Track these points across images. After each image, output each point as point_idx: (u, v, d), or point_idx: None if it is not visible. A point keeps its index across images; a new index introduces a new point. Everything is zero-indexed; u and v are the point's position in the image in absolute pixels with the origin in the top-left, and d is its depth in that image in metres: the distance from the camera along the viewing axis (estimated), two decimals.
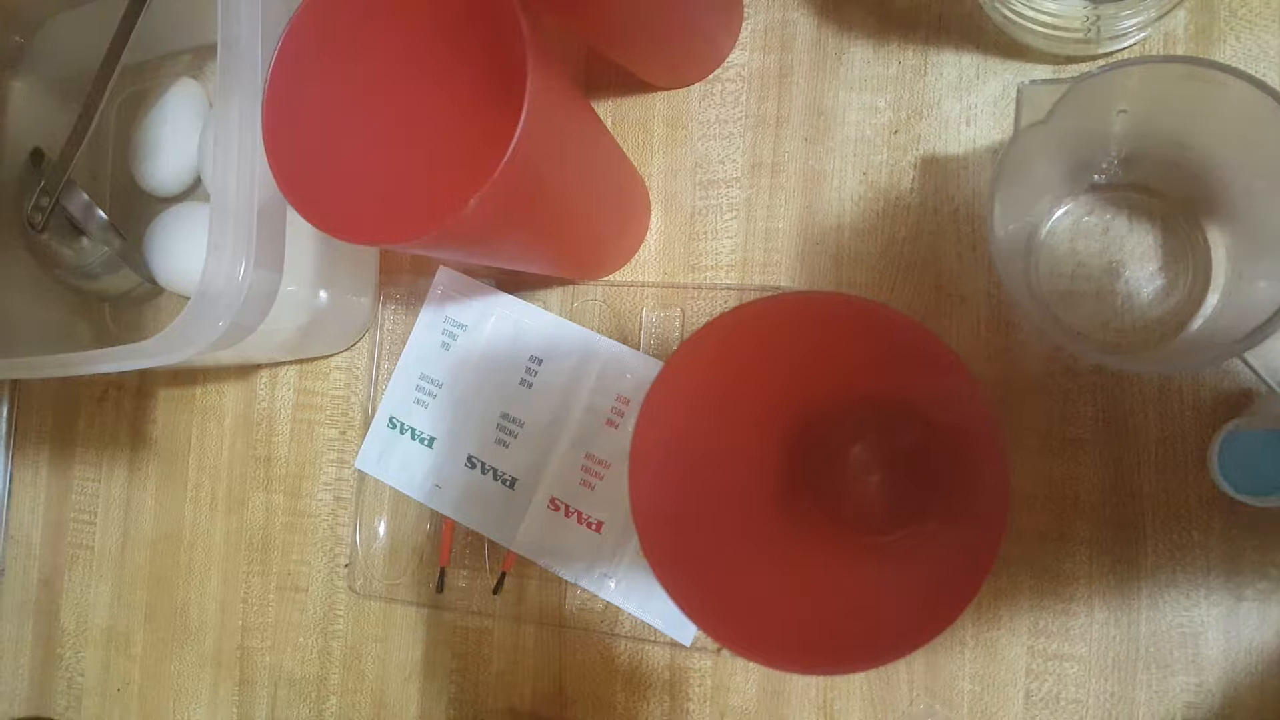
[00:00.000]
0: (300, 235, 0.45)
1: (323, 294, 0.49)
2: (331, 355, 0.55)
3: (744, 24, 0.47)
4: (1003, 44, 0.43)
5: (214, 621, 0.57)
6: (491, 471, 0.50)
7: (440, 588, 0.51)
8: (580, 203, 0.41)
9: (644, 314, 0.48)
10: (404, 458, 0.52)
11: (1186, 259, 0.40)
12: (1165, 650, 0.40)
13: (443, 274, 0.52)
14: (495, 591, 0.50)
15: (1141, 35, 0.40)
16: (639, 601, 0.47)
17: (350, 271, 0.52)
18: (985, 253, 0.43)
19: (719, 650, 0.46)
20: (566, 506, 0.49)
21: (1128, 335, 0.40)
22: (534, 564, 0.49)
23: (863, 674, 0.44)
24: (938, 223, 0.44)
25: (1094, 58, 0.41)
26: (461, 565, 0.51)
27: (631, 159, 0.48)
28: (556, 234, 0.41)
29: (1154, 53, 0.41)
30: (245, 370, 0.57)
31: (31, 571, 0.62)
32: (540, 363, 0.50)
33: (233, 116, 0.41)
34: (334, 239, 0.32)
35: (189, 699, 0.57)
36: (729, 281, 0.47)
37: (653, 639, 0.47)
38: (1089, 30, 0.38)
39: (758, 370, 0.35)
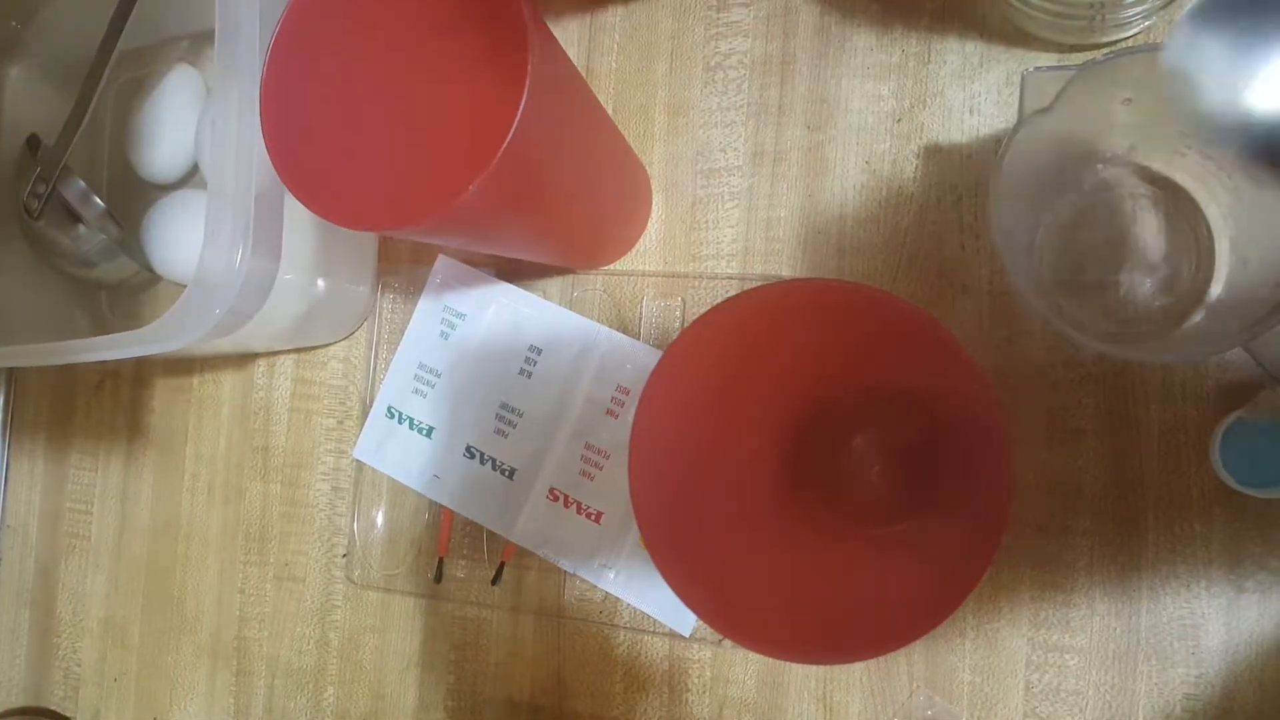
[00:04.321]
0: (298, 223, 0.45)
1: (321, 282, 0.49)
2: (329, 344, 0.55)
3: (748, 10, 0.47)
4: (1006, 32, 0.43)
5: (211, 612, 0.57)
6: (490, 461, 0.50)
7: (438, 578, 0.51)
8: (581, 189, 0.41)
9: (644, 303, 0.48)
10: (402, 447, 0.52)
11: (1190, 249, 0.40)
12: (1165, 642, 0.40)
13: (442, 262, 0.52)
14: (494, 582, 0.50)
15: (1146, 24, 0.40)
16: (638, 592, 0.47)
17: (348, 260, 0.52)
18: (988, 242, 0.43)
19: (718, 641, 0.46)
20: (566, 497, 0.49)
21: (1131, 325, 0.40)
22: (533, 554, 0.49)
23: (862, 665, 0.44)
24: (941, 212, 0.43)
25: (1098, 46, 0.41)
26: (460, 555, 0.51)
27: (633, 146, 0.48)
28: (557, 221, 0.41)
29: (1159, 40, 0.41)
30: (243, 359, 0.57)
31: (28, 561, 0.62)
32: (540, 352, 0.50)
33: (230, 103, 0.41)
34: (332, 226, 0.32)
35: (186, 689, 0.57)
36: (730, 271, 0.47)
37: (652, 630, 0.47)
38: (1093, 18, 0.38)
39: (759, 359, 0.35)
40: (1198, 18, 0.28)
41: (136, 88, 0.57)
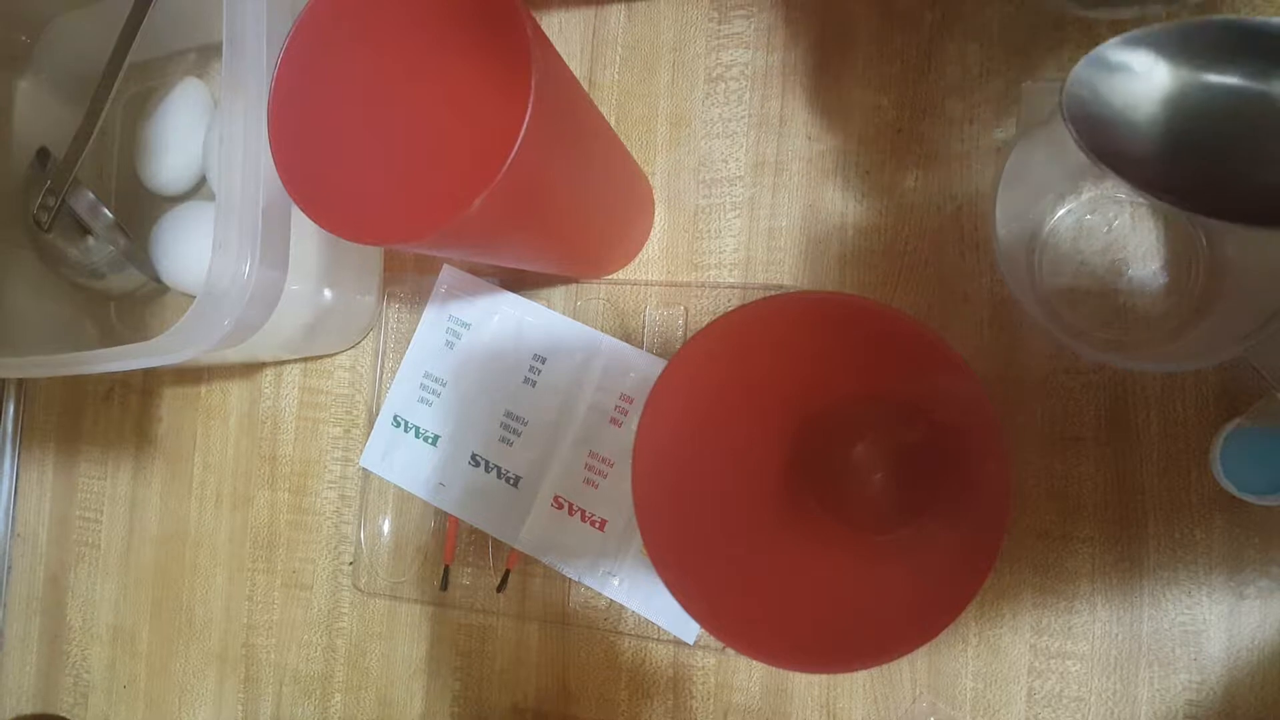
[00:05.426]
0: (305, 234, 0.45)
1: (327, 292, 0.49)
2: (336, 354, 0.55)
3: (749, 22, 0.47)
4: (1006, 43, 0.43)
5: (219, 619, 0.57)
6: (495, 469, 0.50)
7: (444, 585, 0.51)
8: (584, 202, 0.41)
9: (647, 312, 0.49)
10: (408, 456, 0.52)
11: (1189, 257, 0.40)
12: (1167, 648, 0.40)
13: (447, 272, 0.52)
14: (499, 589, 0.50)
15: None
16: (642, 599, 0.48)
17: (354, 270, 0.52)
18: (988, 251, 0.43)
19: (722, 648, 0.46)
20: (570, 504, 0.49)
21: (1130, 333, 0.41)
22: (538, 562, 0.49)
23: (865, 672, 0.44)
24: (941, 222, 0.44)
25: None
26: (465, 563, 0.51)
27: (635, 158, 0.48)
28: (560, 233, 0.41)
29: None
30: (250, 368, 0.57)
31: (38, 569, 0.63)
32: (544, 361, 0.50)
33: (238, 115, 0.41)
34: (339, 238, 0.32)
35: (194, 696, 0.58)
36: (732, 280, 0.47)
37: (656, 637, 0.47)
38: None
39: (761, 369, 0.35)
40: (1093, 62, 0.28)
41: (145, 101, 0.57)
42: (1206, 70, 0.27)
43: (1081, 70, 0.28)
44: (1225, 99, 0.27)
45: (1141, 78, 0.27)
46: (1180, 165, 0.27)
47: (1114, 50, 0.28)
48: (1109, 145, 0.27)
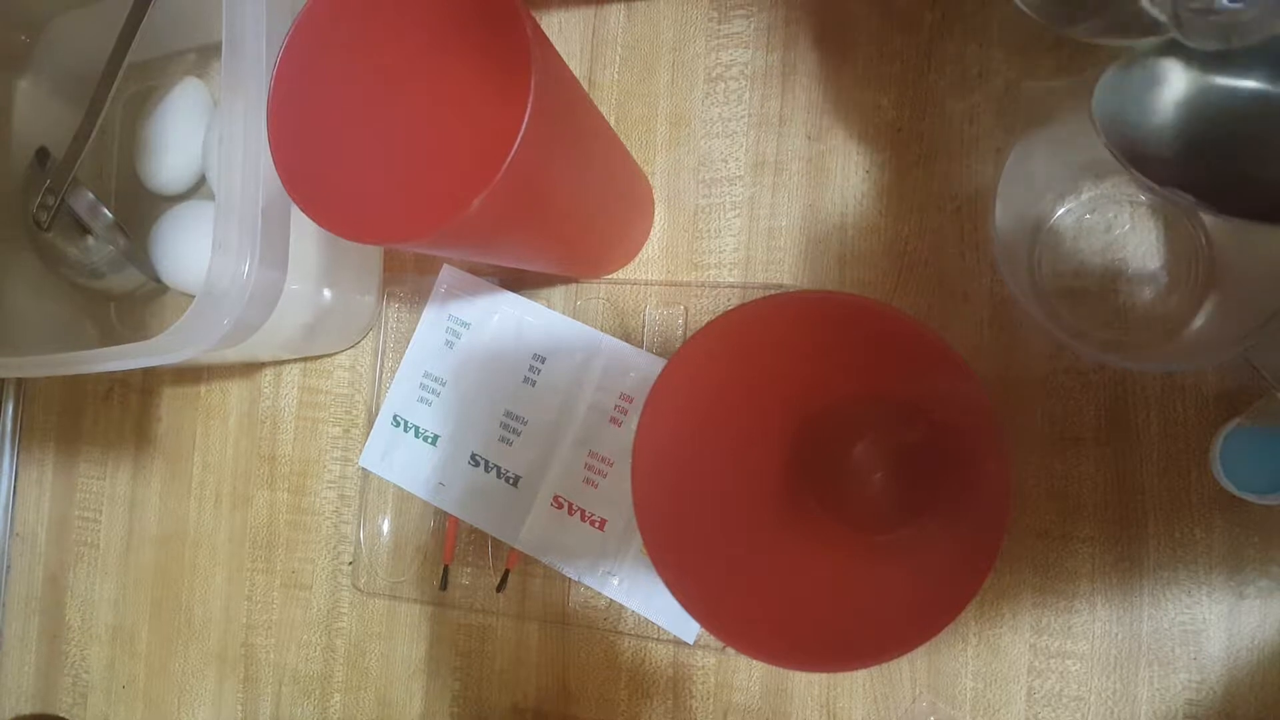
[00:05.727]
0: (304, 234, 0.45)
1: (327, 292, 0.49)
2: (335, 353, 0.55)
3: (748, 22, 0.47)
4: (1006, 43, 0.43)
5: (218, 619, 0.57)
6: (495, 469, 0.50)
7: (444, 585, 0.51)
8: (584, 201, 0.41)
9: (647, 312, 0.49)
10: (408, 456, 0.52)
11: (1189, 257, 0.40)
12: (1167, 648, 0.40)
13: (446, 272, 0.52)
14: (499, 589, 0.50)
15: None
16: (642, 599, 0.48)
17: (354, 270, 0.52)
18: (988, 251, 0.43)
19: (722, 648, 0.46)
20: (570, 504, 0.49)
21: (1130, 333, 0.41)
22: (538, 561, 0.49)
23: (865, 671, 0.44)
24: (940, 221, 0.44)
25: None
26: (465, 563, 0.51)
27: (635, 157, 0.48)
28: (560, 233, 0.41)
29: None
30: (250, 368, 0.57)
31: (37, 569, 0.63)
32: (543, 361, 0.50)
33: (237, 115, 0.41)
34: (338, 237, 0.32)
35: (194, 696, 0.57)
36: (732, 280, 0.47)
37: (656, 636, 0.47)
38: None
39: (760, 369, 0.35)
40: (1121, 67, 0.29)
41: (144, 100, 0.57)
42: (1228, 75, 0.28)
43: (1111, 76, 0.29)
44: (1245, 101, 0.28)
45: (1167, 83, 0.29)
46: (1198, 165, 0.29)
47: (1142, 58, 0.29)
48: (1132, 147, 0.28)
